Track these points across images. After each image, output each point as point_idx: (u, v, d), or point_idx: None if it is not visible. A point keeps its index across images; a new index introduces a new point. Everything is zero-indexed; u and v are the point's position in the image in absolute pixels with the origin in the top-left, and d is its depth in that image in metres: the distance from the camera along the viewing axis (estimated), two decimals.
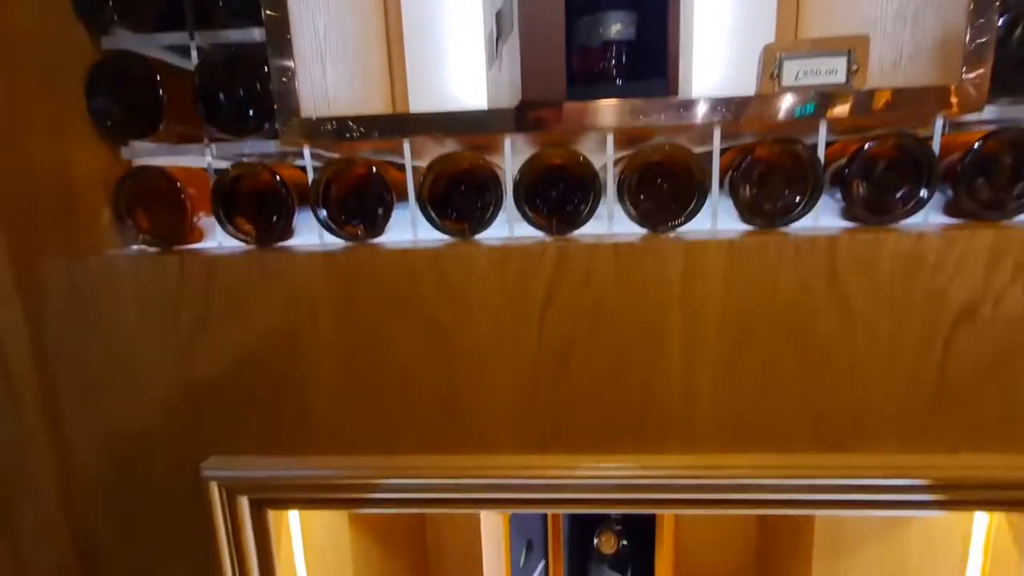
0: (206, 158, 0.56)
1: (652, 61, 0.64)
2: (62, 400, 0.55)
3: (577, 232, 0.52)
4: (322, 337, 0.52)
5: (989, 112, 0.50)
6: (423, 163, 0.53)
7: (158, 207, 0.56)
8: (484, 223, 0.52)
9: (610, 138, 0.51)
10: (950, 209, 0.52)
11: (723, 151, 0.51)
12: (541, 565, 0.92)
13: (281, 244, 0.55)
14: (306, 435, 0.54)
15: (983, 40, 0.45)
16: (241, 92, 0.53)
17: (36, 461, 0.54)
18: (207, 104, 0.53)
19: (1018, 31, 0.47)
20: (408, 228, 0.54)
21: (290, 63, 0.49)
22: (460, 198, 0.53)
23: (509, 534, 0.81)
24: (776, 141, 0.50)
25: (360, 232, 0.53)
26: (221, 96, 0.53)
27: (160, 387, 0.54)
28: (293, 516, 0.62)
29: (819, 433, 0.50)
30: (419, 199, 0.52)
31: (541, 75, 0.62)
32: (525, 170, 0.52)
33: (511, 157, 0.52)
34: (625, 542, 0.91)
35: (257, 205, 0.55)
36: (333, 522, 0.73)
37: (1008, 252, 0.45)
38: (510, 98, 0.64)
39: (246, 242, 0.54)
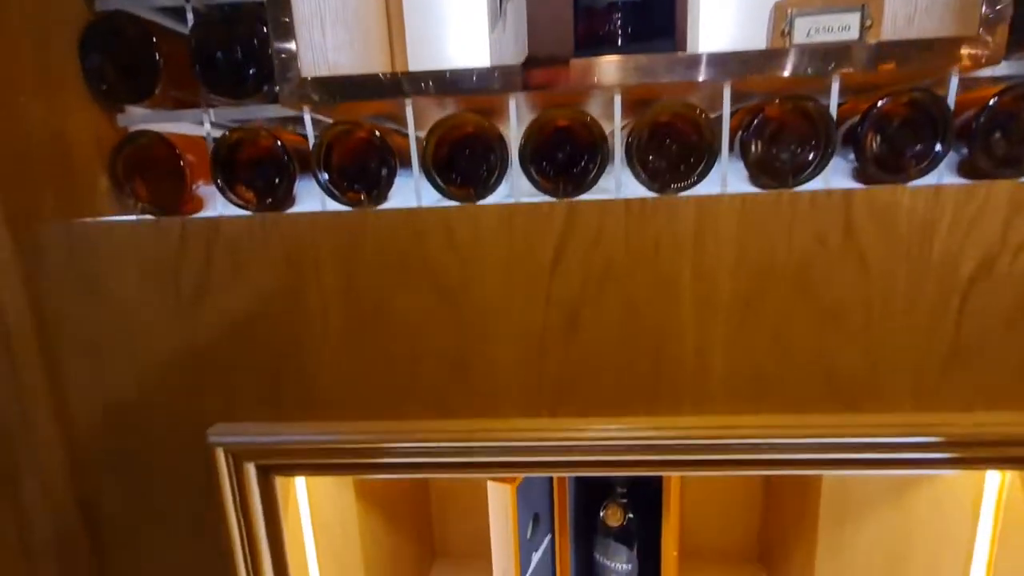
0: (204, 125, 0.55)
1: (659, 22, 0.63)
2: (63, 368, 0.54)
3: (584, 196, 0.51)
4: (327, 300, 0.51)
5: (1006, 67, 0.49)
6: (425, 133, 0.52)
7: (156, 175, 0.55)
8: (490, 187, 0.51)
9: (617, 98, 0.49)
10: (964, 170, 0.51)
11: (733, 113, 0.50)
12: (547, 538, 0.92)
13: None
14: (312, 400, 0.53)
15: None
16: (239, 53, 0.52)
17: (38, 429, 0.54)
18: (204, 66, 0.52)
19: None
20: (411, 196, 0.52)
21: (288, 20, 0.48)
22: (464, 162, 0.52)
23: (516, 507, 0.81)
24: (787, 98, 0.49)
25: (363, 198, 0.52)
26: (219, 56, 0.52)
27: (163, 353, 0.53)
28: (300, 488, 0.62)
29: (833, 392, 0.49)
30: (423, 164, 0.51)
31: (548, 33, 0.60)
32: (531, 131, 0.51)
33: (516, 118, 0.51)
34: (631, 515, 0.91)
35: (257, 171, 0.54)
36: (340, 495, 0.72)
37: None
38: (515, 60, 0.62)
39: (247, 209, 0.53)
